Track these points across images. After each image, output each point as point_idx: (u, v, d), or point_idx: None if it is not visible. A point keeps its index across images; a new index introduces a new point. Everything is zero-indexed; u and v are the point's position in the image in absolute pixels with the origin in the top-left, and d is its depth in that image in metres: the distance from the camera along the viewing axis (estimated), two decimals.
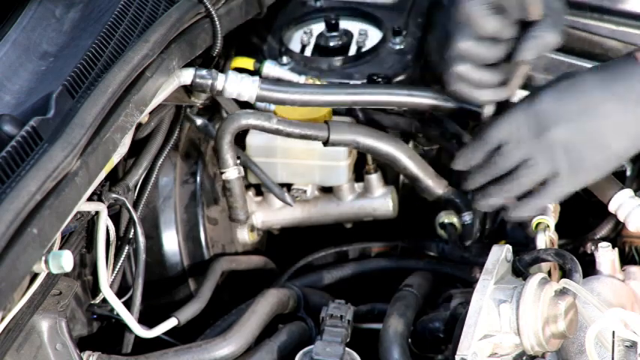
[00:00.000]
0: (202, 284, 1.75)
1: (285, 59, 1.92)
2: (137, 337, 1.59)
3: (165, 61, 1.47)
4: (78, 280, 1.58)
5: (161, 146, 1.74)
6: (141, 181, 1.70)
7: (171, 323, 1.63)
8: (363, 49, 1.94)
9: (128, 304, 1.58)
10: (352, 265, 1.86)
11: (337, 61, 1.92)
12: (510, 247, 1.38)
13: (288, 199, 1.84)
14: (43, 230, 1.16)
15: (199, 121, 1.84)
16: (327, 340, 1.55)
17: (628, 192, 1.54)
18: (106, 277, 1.54)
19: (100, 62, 1.41)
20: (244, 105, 1.88)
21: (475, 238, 1.75)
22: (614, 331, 1.28)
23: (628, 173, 1.74)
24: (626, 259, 1.64)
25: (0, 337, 1.28)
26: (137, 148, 1.70)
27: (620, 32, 1.77)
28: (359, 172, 1.89)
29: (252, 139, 1.82)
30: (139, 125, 1.70)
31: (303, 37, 1.98)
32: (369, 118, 1.86)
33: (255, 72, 1.87)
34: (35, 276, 1.33)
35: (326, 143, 1.69)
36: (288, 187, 1.86)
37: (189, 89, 1.61)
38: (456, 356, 1.26)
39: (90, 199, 1.52)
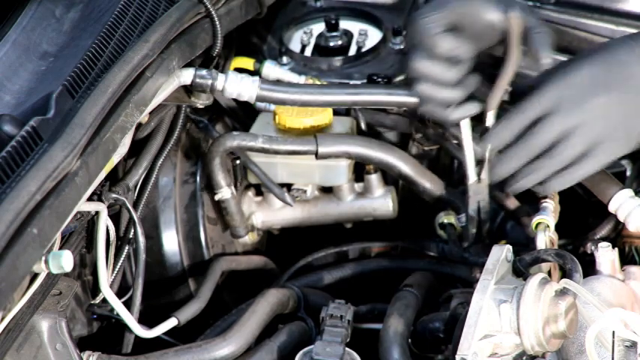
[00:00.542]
0: (202, 284, 1.75)
1: (285, 59, 1.92)
2: (137, 337, 1.59)
3: (165, 61, 1.47)
4: (78, 280, 1.58)
5: (161, 146, 1.74)
6: (141, 181, 1.71)
7: (171, 323, 1.63)
8: (363, 49, 1.94)
9: (128, 304, 1.58)
10: (352, 265, 1.86)
11: (337, 61, 1.92)
12: (510, 247, 1.38)
13: (288, 199, 1.84)
14: (43, 230, 1.16)
15: (199, 121, 1.84)
16: (327, 340, 1.54)
17: (628, 192, 1.54)
18: (106, 277, 1.54)
19: (100, 62, 1.41)
20: (245, 105, 1.89)
21: (471, 240, 1.75)
22: (614, 331, 1.28)
23: (628, 173, 1.74)
24: (626, 259, 1.64)
25: (0, 337, 1.28)
26: (137, 148, 1.70)
27: (620, 32, 1.77)
28: (359, 172, 1.89)
29: None
30: (139, 125, 1.70)
31: (303, 37, 1.98)
32: (369, 118, 1.86)
33: (255, 72, 1.87)
34: (35, 276, 1.33)
35: (317, 156, 1.70)
36: (288, 187, 1.86)
37: (189, 89, 1.61)
38: (456, 356, 1.26)
39: (90, 199, 1.52)
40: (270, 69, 1.88)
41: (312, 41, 1.98)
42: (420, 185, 1.78)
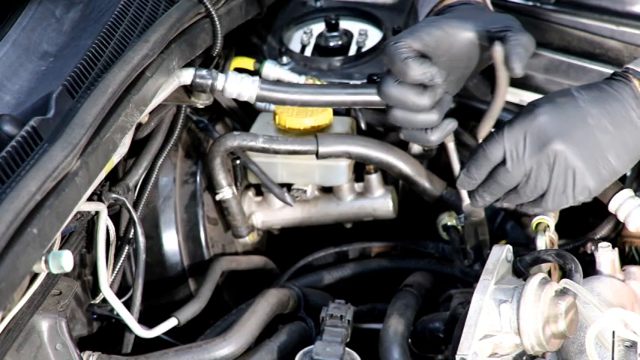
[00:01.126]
0: (202, 284, 1.75)
1: (285, 59, 1.92)
2: (137, 337, 1.59)
3: (165, 61, 1.47)
4: (78, 280, 1.58)
5: (161, 146, 1.74)
6: (141, 181, 1.71)
7: (171, 323, 1.63)
8: (363, 49, 1.94)
9: (128, 304, 1.58)
10: (352, 265, 1.86)
11: (337, 61, 1.92)
12: (511, 247, 1.38)
13: (288, 199, 1.84)
14: (43, 230, 1.16)
15: (199, 121, 1.84)
16: (327, 340, 1.54)
17: (628, 192, 1.54)
18: (106, 277, 1.54)
19: (100, 62, 1.41)
20: (245, 105, 1.89)
21: (471, 260, 1.75)
22: (614, 331, 1.28)
23: (628, 173, 1.74)
24: (626, 259, 1.64)
25: (0, 337, 1.28)
26: (137, 148, 1.70)
27: (620, 32, 1.77)
28: (359, 172, 1.89)
29: None
30: (139, 125, 1.70)
31: (303, 37, 1.98)
32: (369, 118, 1.86)
33: (255, 72, 1.87)
34: (35, 276, 1.33)
35: (318, 156, 1.70)
36: (288, 187, 1.86)
37: (189, 89, 1.61)
38: (456, 356, 1.26)
39: (90, 199, 1.52)
40: (270, 69, 1.88)
41: (312, 41, 1.98)
42: (420, 185, 1.78)
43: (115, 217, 1.64)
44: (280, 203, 1.88)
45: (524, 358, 1.32)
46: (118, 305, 1.55)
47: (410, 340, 1.56)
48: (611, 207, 1.55)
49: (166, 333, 1.62)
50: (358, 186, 1.89)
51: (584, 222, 1.73)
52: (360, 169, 1.88)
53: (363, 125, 1.86)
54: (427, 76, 1.36)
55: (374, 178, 1.87)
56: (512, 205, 1.45)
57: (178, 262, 1.82)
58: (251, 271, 1.90)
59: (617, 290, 1.46)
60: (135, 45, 1.42)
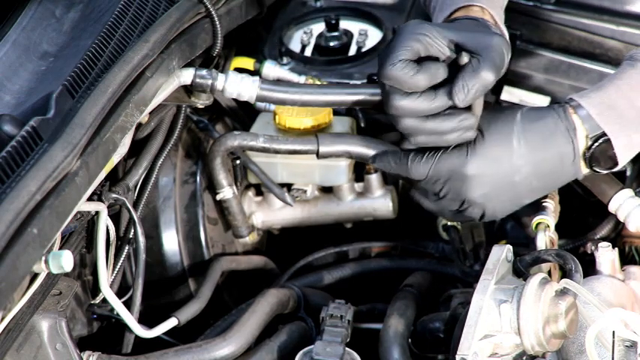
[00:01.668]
0: (202, 284, 1.75)
1: (285, 59, 1.92)
2: (137, 337, 1.59)
3: (165, 61, 1.47)
4: (78, 280, 1.58)
5: (161, 146, 1.74)
6: (141, 181, 1.70)
7: (171, 323, 1.63)
8: (363, 49, 1.94)
9: (128, 304, 1.58)
10: (352, 265, 1.86)
11: (337, 61, 1.92)
12: (511, 247, 1.38)
13: (288, 199, 1.84)
14: (43, 230, 1.16)
15: (199, 121, 1.84)
16: (327, 340, 1.54)
17: (628, 192, 1.54)
18: (106, 277, 1.54)
19: (100, 62, 1.41)
20: (245, 105, 1.89)
21: (471, 261, 1.75)
22: (614, 331, 1.28)
23: (628, 173, 1.74)
24: (626, 259, 1.64)
25: (0, 337, 1.28)
26: (137, 148, 1.70)
27: (620, 32, 1.77)
28: (359, 172, 1.89)
29: None
30: (139, 125, 1.70)
31: (303, 37, 1.98)
32: (369, 118, 1.86)
33: (255, 72, 1.87)
34: (35, 276, 1.33)
35: (318, 156, 1.70)
36: (288, 187, 1.86)
37: (189, 89, 1.61)
38: (457, 356, 1.26)
39: (90, 199, 1.52)
40: (270, 69, 1.88)
41: (312, 41, 1.98)
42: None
43: (115, 217, 1.64)
44: (280, 203, 1.88)
45: (525, 358, 1.32)
46: (118, 305, 1.55)
47: (410, 340, 1.56)
48: (611, 207, 1.55)
49: (166, 333, 1.62)
50: (358, 186, 1.89)
51: (584, 222, 1.73)
52: (360, 169, 1.88)
53: (363, 125, 1.86)
54: (438, 75, 1.37)
55: (374, 178, 1.87)
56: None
57: (178, 262, 1.82)
58: (251, 271, 1.90)
59: (617, 290, 1.46)
60: (135, 45, 1.42)
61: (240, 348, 1.56)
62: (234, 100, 1.79)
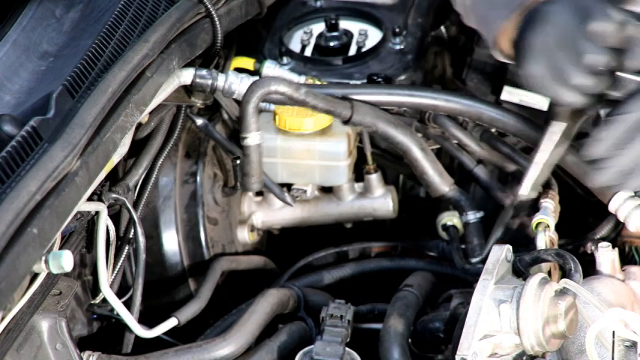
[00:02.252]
0: (202, 284, 1.75)
1: (285, 59, 1.92)
2: (137, 337, 1.59)
3: (165, 61, 1.47)
4: (78, 280, 1.58)
5: (161, 146, 1.74)
6: (141, 181, 1.70)
7: (171, 323, 1.63)
8: (363, 49, 1.94)
9: (128, 304, 1.58)
10: (352, 265, 1.86)
11: (337, 61, 1.91)
12: (510, 247, 1.38)
13: (288, 199, 1.84)
14: (43, 230, 1.16)
15: (199, 121, 1.84)
16: (327, 340, 1.55)
17: (628, 192, 1.54)
18: (106, 277, 1.54)
19: (100, 62, 1.41)
20: None
21: (482, 257, 1.74)
22: (614, 331, 1.28)
23: None
24: (626, 259, 1.64)
25: (0, 337, 1.28)
26: (137, 148, 1.70)
27: None
28: (359, 172, 1.89)
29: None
30: (139, 125, 1.70)
31: (303, 37, 1.98)
32: None
33: (255, 72, 1.87)
34: (35, 276, 1.33)
35: (347, 122, 1.65)
36: (288, 187, 1.86)
37: (189, 89, 1.61)
38: (456, 356, 1.26)
39: (90, 199, 1.52)
40: (270, 69, 1.88)
41: (312, 41, 1.98)
42: (428, 176, 1.71)
43: (115, 217, 1.64)
44: (280, 203, 1.88)
45: (524, 358, 1.32)
46: (118, 305, 1.55)
47: (410, 340, 1.56)
48: (611, 207, 1.55)
49: (166, 333, 1.62)
50: (358, 186, 1.89)
51: (584, 222, 1.73)
52: (360, 169, 1.88)
53: None
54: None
55: (374, 178, 1.87)
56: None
57: (178, 262, 1.82)
58: (251, 271, 1.90)
59: (617, 290, 1.46)
60: (135, 45, 1.42)
61: (240, 348, 1.56)
62: (235, 99, 1.79)
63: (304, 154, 1.81)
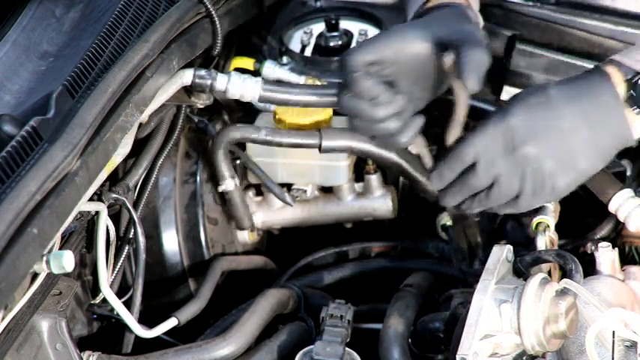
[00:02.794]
0: (202, 284, 1.75)
1: (285, 59, 1.92)
2: (137, 337, 1.59)
3: (165, 61, 1.47)
4: (78, 280, 1.58)
5: (161, 146, 1.74)
6: (141, 181, 1.70)
7: (171, 323, 1.63)
8: None
9: (128, 304, 1.58)
10: (352, 265, 1.86)
11: (337, 61, 1.91)
12: (511, 247, 1.38)
13: (288, 199, 1.84)
14: (43, 230, 1.16)
15: (199, 121, 1.84)
16: (327, 340, 1.54)
17: (628, 192, 1.54)
18: (106, 277, 1.54)
19: (100, 62, 1.41)
20: (244, 105, 1.89)
21: (467, 259, 1.75)
22: (614, 331, 1.28)
23: (628, 173, 1.74)
24: (626, 259, 1.64)
25: (0, 337, 1.28)
26: (137, 148, 1.70)
27: (620, 32, 1.77)
28: (359, 172, 1.89)
29: None
30: (139, 125, 1.70)
31: (303, 37, 1.98)
32: None
33: (255, 72, 1.87)
34: (35, 276, 1.33)
35: (320, 150, 1.70)
36: (288, 187, 1.86)
37: (189, 89, 1.61)
38: (457, 356, 1.26)
39: (90, 199, 1.52)
40: (270, 69, 1.88)
41: (312, 41, 1.97)
42: (421, 183, 1.76)
43: (115, 217, 1.64)
44: (280, 203, 1.88)
45: (525, 358, 1.32)
46: (118, 305, 1.55)
47: (410, 340, 1.56)
48: (611, 207, 1.55)
49: (166, 333, 1.62)
50: (358, 186, 1.89)
51: (584, 222, 1.73)
52: (360, 169, 1.88)
53: None
54: (373, 92, 1.35)
55: (374, 178, 1.87)
56: (483, 208, 1.44)
57: (178, 262, 1.82)
58: (251, 271, 1.90)
59: (617, 290, 1.46)
60: (135, 45, 1.42)
61: (240, 348, 1.56)
62: (236, 100, 1.79)
63: (304, 154, 1.81)
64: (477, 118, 1.56)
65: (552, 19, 1.82)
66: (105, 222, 1.55)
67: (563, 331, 1.28)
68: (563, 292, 1.31)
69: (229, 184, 1.80)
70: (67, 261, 1.26)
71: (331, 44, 1.96)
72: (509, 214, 1.79)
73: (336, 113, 1.84)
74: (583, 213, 1.74)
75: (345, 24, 1.99)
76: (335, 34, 1.96)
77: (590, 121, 1.36)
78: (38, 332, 1.40)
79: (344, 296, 1.65)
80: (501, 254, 1.36)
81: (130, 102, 1.37)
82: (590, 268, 1.50)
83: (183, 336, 1.67)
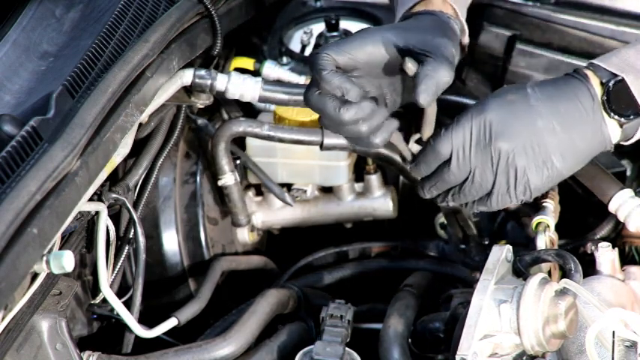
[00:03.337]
0: (202, 284, 1.75)
1: (285, 59, 1.92)
2: (137, 337, 1.59)
3: (165, 61, 1.47)
4: (78, 280, 1.58)
5: (161, 146, 1.74)
6: (141, 181, 1.71)
7: (171, 323, 1.63)
8: None
9: (128, 304, 1.58)
10: (352, 265, 1.86)
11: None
12: (510, 247, 1.38)
13: (288, 199, 1.84)
14: (43, 230, 1.16)
15: (199, 121, 1.84)
16: (327, 340, 1.55)
17: (628, 192, 1.54)
18: (106, 277, 1.54)
19: (100, 62, 1.41)
20: (244, 105, 1.89)
21: (471, 242, 1.75)
22: (614, 331, 1.28)
23: (628, 173, 1.74)
24: (626, 259, 1.64)
25: (0, 337, 1.28)
26: (137, 148, 1.70)
27: (620, 32, 1.77)
28: (359, 172, 1.89)
29: (253, 140, 1.82)
30: (139, 125, 1.70)
31: (303, 37, 1.98)
32: None
33: (255, 72, 1.87)
34: (35, 276, 1.33)
35: (322, 147, 1.69)
36: (288, 187, 1.86)
37: (189, 89, 1.61)
38: (457, 356, 1.26)
39: (90, 199, 1.52)
40: (270, 69, 1.88)
41: (312, 41, 1.97)
42: None
43: (115, 217, 1.64)
44: (280, 203, 1.88)
45: (524, 358, 1.32)
46: (118, 305, 1.55)
47: (410, 340, 1.56)
48: (611, 207, 1.55)
49: (166, 333, 1.62)
50: (358, 186, 1.89)
51: (584, 222, 1.73)
52: (360, 169, 1.88)
53: None
54: (341, 90, 1.35)
55: (374, 178, 1.87)
56: (457, 204, 1.44)
57: (178, 262, 1.82)
58: (251, 271, 1.90)
59: (617, 290, 1.46)
60: (135, 45, 1.42)
61: (240, 348, 1.56)
62: (236, 100, 1.79)
63: (304, 154, 1.81)
64: (455, 113, 1.56)
65: (552, 19, 1.82)
66: (105, 222, 1.55)
67: (562, 331, 1.28)
68: (562, 292, 1.31)
69: (229, 178, 1.79)
70: (67, 261, 1.26)
71: None
72: (509, 214, 1.80)
73: None
74: (583, 213, 1.74)
75: (345, 24, 1.99)
76: (335, 34, 1.96)
77: (566, 121, 1.36)
78: (38, 332, 1.40)
79: (344, 296, 1.65)
80: (501, 254, 1.36)
81: (130, 102, 1.37)
82: (590, 268, 1.50)
83: (183, 336, 1.67)
